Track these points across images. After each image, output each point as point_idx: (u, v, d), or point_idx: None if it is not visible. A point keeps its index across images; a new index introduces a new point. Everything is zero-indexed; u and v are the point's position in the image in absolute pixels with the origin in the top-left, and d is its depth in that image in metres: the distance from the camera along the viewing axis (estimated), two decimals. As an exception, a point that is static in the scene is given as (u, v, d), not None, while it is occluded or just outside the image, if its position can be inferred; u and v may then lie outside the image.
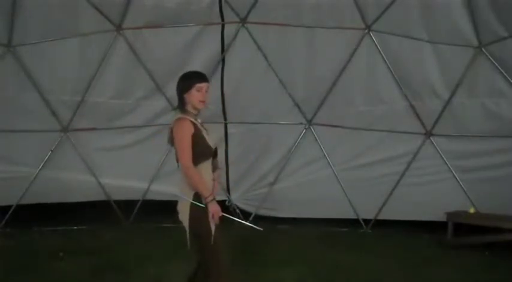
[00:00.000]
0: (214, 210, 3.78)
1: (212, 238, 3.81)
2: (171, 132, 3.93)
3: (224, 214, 3.85)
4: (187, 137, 3.82)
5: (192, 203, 3.81)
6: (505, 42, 7.08)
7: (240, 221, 4.25)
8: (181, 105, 3.95)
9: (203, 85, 3.94)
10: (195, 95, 3.91)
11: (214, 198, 3.81)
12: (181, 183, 3.91)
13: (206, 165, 3.93)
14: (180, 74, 4.07)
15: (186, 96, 3.92)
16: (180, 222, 3.91)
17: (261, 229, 4.07)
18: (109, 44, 7.61)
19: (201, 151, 3.88)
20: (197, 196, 3.83)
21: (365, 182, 8.01)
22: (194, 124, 3.89)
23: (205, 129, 4.00)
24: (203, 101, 3.94)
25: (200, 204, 3.79)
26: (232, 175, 8.29)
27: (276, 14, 7.60)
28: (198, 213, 3.82)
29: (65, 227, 7.75)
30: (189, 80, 3.95)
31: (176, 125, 3.87)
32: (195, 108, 3.95)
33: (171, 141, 3.96)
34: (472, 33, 7.24)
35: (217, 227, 3.85)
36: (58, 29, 7.40)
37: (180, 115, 3.91)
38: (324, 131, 8.08)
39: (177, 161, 3.93)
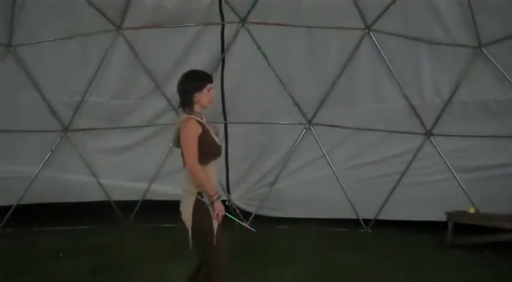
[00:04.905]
0: (219, 209, 3.80)
1: (214, 238, 3.81)
2: (178, 133, 3.92)
3: (226, 213, 3.87)
4: (194, 136, 3.81)
5: (195, 203, 3.81)
6: (505, 42, 7.09)
7: (238, 221, 4.27)
8: (190, 105, 3.94)
9: (213, 85, 3.99)
10: (206, 95, 3.94)
11: (219, 197, 3.83)
12: (185, 183, 3.91)
13: (214, 165, 3.94)
14: (180, 74, 4.07)
15: (197, 95, 3.92)
16: (183, 222, 3.92)
17: (254, 230, 4.13)
18: (109, 44, 7.61)
19: (210, 151, 3.89)
20: (201, 196, 3.83)
21: (365, 182, 8.01)
22: (201, 124, 3.89)
23: (212, 128, 4.01)
24: (211, 101, 3.98)
25: (203, 199, 3.80)
26: (232, 175, 8.28)
27: (276, 14, 7.60)
28: (201, 213, 3.82)
29: (65, 227, 7.75)
30: (201, 80, 3.96)
31: (183, 126, 3.86)
32: (202, 107, 3.96)
33: (177, 142, 3.95)
34: (471, 33, 7.24)
35: (219, 227, 3.85)
36: (58, 29, 7.41)
37: (186, 115, 3.91)
38: (324, 131, 8.07)
39: (184, 161, 3.93)
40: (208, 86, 3.95)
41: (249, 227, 4.19)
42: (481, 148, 7.61)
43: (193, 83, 3.95)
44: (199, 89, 3.92)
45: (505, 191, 7.38)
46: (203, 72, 4.09)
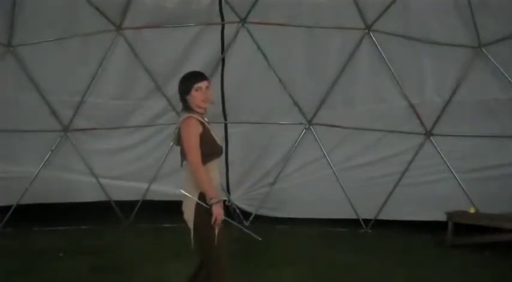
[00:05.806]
0: (217, 213, 3.76)
1: (216, 238, 3.81)
2: (178, 132, 3.91)
3: (226, 218, 3.85)
4: (196, 135, 3.81)
5: (197, 202, 3.80)
6: (505, 42, 7.09)
7: (241, 227, 4.21)
8: (187, 107, 3.94)
9: (202, 84, 3.92)
10: (195, 95, 3.90)
11: (219, 201, 3.80)
12: (186, 183, 3.90)
13: (215, 164, 3.93)
14: (180, 74, 4.07)
15: (187, 98, 3.91)
16: (185, 222, 3.91)
17: (260, 238, 4.08)
18: (109, 44, 7.61)
19: (211, 150, 3.88)
20: (202, 196, 3.82)
21: (365, 182, 8.00)
22: (202, 123, 3.88)
23: (212, 128, 4.01)
24: (205, 100, 3.93)
25: (205, 204, 3.79)
26: (232, 175, 8.27)
27: (276, 14, 7.61)
28: (203, 213, 3.81)
29: (65, 227, 7.75)
30: (187, 81, 3.94)
31: (184, 125, 3.86)
32: (199, 107, 3.95)
33: (178, 141, 3.94)
34: (471, 33, 7.25)
35: (220, 227, 3.85)
36: (58, 29, 7.41)
37: (187, 114, 3.91)
38: (324, 131, 8.07)
39: (183, 160, 3.93)
40: (196, 85, 3.89)
41: (254, 235, 4.12)
42: (480, 148, 7.61)
43: (182, 86, 3.95)
44: (187, 91, 3.90)
45: (505, 191, 7.38)
46: (192, 72, 4.04)
